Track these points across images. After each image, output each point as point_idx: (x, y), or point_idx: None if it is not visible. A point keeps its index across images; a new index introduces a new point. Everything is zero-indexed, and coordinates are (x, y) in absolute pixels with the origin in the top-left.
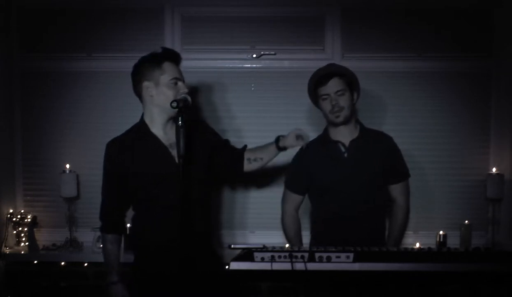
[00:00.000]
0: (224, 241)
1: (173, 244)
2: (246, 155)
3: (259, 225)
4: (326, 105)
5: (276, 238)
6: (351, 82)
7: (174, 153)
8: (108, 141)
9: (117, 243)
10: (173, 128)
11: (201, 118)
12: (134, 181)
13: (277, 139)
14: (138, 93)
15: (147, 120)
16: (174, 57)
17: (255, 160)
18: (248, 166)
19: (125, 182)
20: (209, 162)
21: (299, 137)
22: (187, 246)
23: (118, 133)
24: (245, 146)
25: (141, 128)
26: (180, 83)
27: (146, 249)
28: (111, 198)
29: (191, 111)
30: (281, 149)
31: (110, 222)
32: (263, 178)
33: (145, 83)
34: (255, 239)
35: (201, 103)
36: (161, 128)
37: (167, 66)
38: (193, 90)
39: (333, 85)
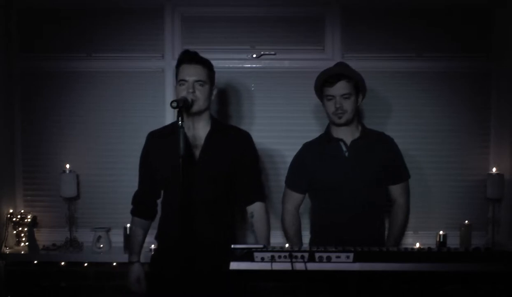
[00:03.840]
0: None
1: (178, 243)
2: (249, 212)
3: None
4: (330, 106)
5: (276, 238)
6: (357, 85)
7: (196, 152)
8: (149, 132)
9: (142, 227)
10: (198, 128)
11: (246, 131)
12: (158, 174)
13: None
14: None
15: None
16: (186, 59)
17: (251, 223)
18: (247, 213)
19: (153, 172)
20: (229, 166)
21: None
22: (188, 246)
23: (117, 133)
24: (261, 203)
25: (174, 126)
26: (187, 84)
27: (160, 245)
28: (142, 184)
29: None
30: None
31: (137, 206)
32: (263, 177)
33: (174, 83)
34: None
35: None
36: (188, 127)
37: (182, 68)
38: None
39: (339, 88)
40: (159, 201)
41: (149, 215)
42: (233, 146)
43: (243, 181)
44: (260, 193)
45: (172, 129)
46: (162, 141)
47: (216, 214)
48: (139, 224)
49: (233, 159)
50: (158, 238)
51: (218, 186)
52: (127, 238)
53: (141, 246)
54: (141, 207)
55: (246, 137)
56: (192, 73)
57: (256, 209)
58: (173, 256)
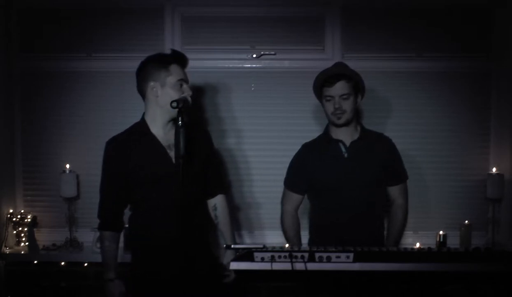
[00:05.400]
0: (224, 241)
1: (171, 244)
2: (212, 205)
3: (259, 225)
4: (329, 106)
5: (276, 238)
6: (357, 85)
7: (171, 154)
8: (108, 140)
9: (115, 241)
10: (173, 129)
11: (205, 127)
12: (131, 180)
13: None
14: (142, 92)
15: (148, 120)
16: (181, 60)
17: (215, 216)
18: (209, 207)
19: (122, 181)
20: (204, 162)
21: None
22: (185, 246)
23: (118, 133)
24: (223, 196)
25: (140, 128)
26: (185, 85)
27: (143, 249)
28: (109, 196)
29: (194, 112)
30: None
31: (107, 220)
32: (263, 177)
33: (151, 84)
34: (255, 239)
35: (201, 103)
36: (161, 128)
37: (174, 68)
38: (196, 91)
39: (339, 88)
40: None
41: (120, 227)
42: (199, 144)
43: (205, 176)
44: (221, 185)
45: (141, 131)
46: (138, 143)
47: (203, 212)
48: (111, 238)
49: (201, 156)
50: (138, 246)
51: (200, 183)
52: (102, 253)
53: (117, 261)
54: (112, 219)
55: (206, 133)
56: (185, 74)
57: (219, 201)
58: (170, 255)
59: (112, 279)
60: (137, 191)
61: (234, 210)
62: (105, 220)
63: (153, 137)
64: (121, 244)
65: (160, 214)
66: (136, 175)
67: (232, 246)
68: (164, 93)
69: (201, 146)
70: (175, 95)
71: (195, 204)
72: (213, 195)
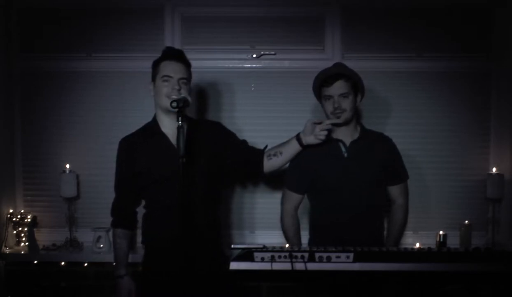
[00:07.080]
0: (226, 241)
1: (176, 244)
2: (266, 153)
3: (259, 225)
4: (328, 106)
5: (276, 238)
6: (356, 85)
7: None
8: (121, 139)
9: (126, 238)
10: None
11: (213, 119)
12: (142, 179)
13: (298, 135)
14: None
15: (158, 119)
16: (171, 55)
17: (274, 154)
18: (268, 163)
19: (134, 179)
20: (213, 160)
21: (316, 128)
22: (188, 246)
23: (118, 133)
24: (266, 146)
25: (151, 127)
26: (172, 81)
27: (152, 248)
28: (121, 194)
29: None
30: (304, 146)
31: (119, 217)
32: (263, 177)
33: (151, 84)
34: (255, 239)
35: (202, 103)
36: (169, 127)
37: (163, 64)
38: (196, 91)
39: (337, 88)
40: (138, 209)
41: (133, 225)
42: (204, 140)
43: (244, 152)
44: (258, 148)
45: (152, 130)
46: (147, 143)
47: (209, 211)
48: (123, 236)
49: (207, 153)
50: (149, 240)
51: (206, 182)
52: (113, 251)
53: (127, 258)
54: (124, 217)
55: (219, 125)
56: (177, 70)
57: (266, 149)
58: (172, 256)
59: (121, 276)
60: (146, 191)
61: (234, 210)
62: (116, 217)
63: (163, 136)
64: None
65: (168, 214)
66: (144, 176)
67: (232, 246)
68: (156, 92)
69: (207, 142)
70: (162, 92)
71: (201, 203)
72: (261, 156)
